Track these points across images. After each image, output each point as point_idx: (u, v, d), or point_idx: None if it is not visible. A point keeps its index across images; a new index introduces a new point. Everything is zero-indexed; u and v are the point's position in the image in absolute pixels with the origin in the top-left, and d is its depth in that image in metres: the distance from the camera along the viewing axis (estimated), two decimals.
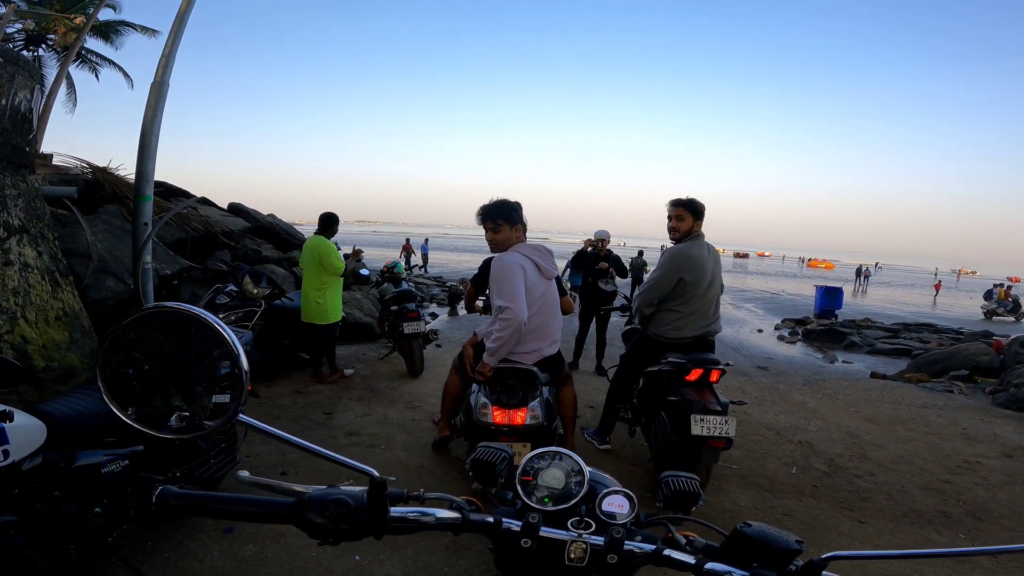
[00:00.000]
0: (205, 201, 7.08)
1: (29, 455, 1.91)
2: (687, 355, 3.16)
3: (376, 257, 13.65)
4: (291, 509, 0.68)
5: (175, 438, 0.75)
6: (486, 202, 3.01)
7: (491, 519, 0.75)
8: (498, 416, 2.68)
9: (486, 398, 2.77)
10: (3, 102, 3.24)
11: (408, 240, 23.92)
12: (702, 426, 2.84)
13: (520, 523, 0.74)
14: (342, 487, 0.71)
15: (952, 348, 8.80)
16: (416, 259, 23.27)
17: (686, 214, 3.36)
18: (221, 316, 4.24)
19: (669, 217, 3.42)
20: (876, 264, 71.42)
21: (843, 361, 9.29)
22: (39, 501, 1.99)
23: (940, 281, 34.67)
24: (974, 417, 5.36)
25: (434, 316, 10.30)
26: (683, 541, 0.76)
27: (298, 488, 0.74)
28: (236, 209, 7.48)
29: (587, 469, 0.81)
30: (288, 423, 4.01)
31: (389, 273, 5.95)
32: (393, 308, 5.36)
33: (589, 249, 6.37)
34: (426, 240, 25.24)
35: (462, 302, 11.19)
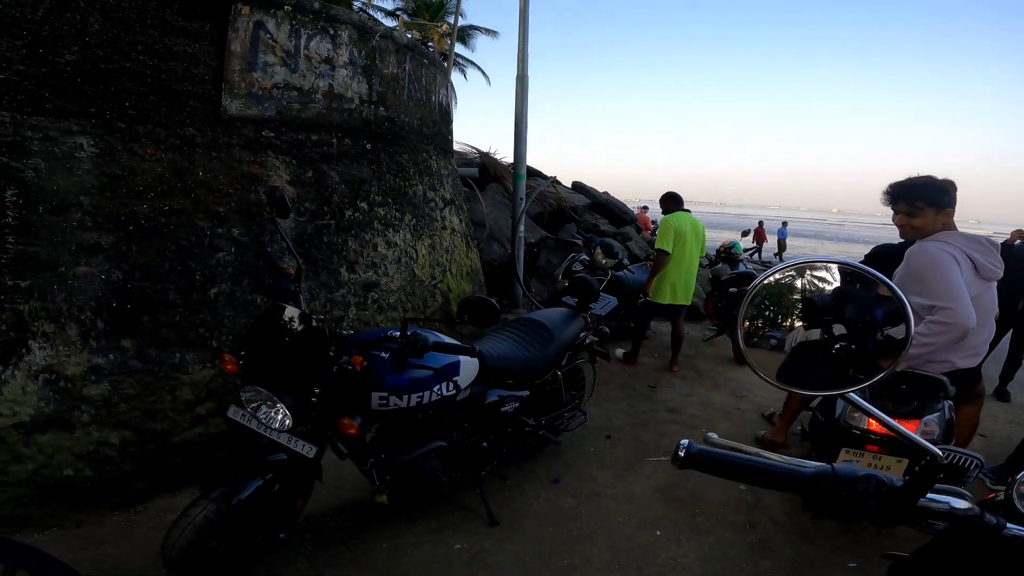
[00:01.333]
0: (555, 181, 8.07)
1: (465, 387, 2.24)
2: None
3: (710, 238, 13.31)
4: (812, 479, 0.71)
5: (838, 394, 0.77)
6: (901, 179, 2.49)
7: (996, 521, 0.70)
8: (875, 423, 2.31)
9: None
10: (434, 99, 4.11)
11: (761, 223, 21.12)
12: None
13: None
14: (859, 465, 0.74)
15: None
16: (770, 244, 20.75)
17: None
18: None
19: None
20: None
21: None
22: (456, 430, 2.33)
23: None
24: None
25: None
26: None
27: (767, 455, 0.77)
28: (578, 187, 8.32)
29: None
30: (615, 390, 4.28)
31: (726, 253, 5.66)
32: (732, 290, 5.14)
33: (1017, 242, 4.84)
34: (784, 224, 22.37)
35: None
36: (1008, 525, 0.71)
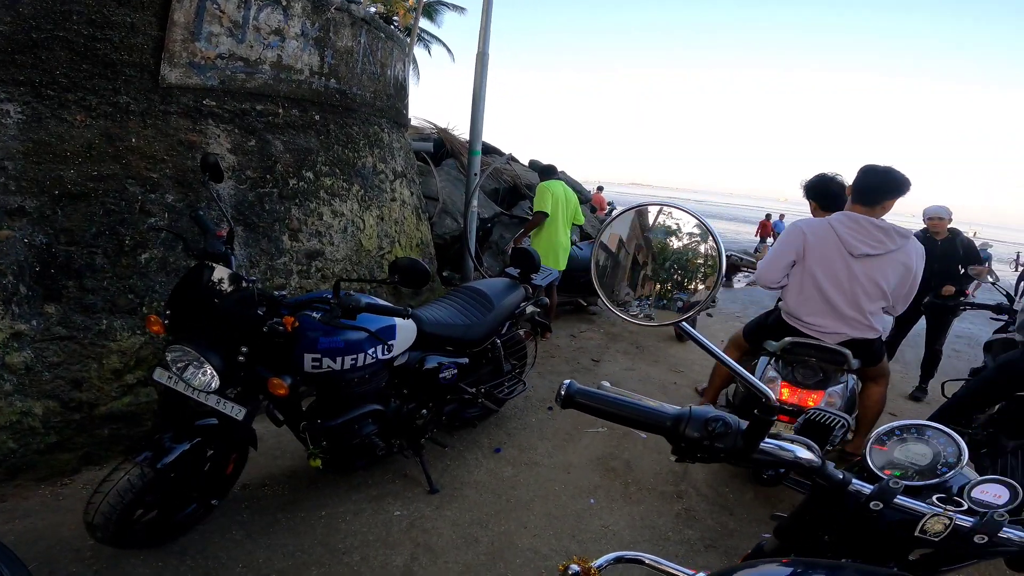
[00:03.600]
0: (511, 158, 8.11)
1: (402, 352, 2.27)
2: None
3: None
4: (672, 420, 0.75)
5: (668, 324, 0.80)
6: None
7: (841, 476, 0.76)
8: (786, 394, 2.44)
9: (776, 372, 2.53)
10: (388, 73, 4.10)
11: (768, 216, 19.93)
12: None
13: (872, 487, 0.75)
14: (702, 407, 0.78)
15: None
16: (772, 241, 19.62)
17: None
18: None
19: None
20: None
21: None
22: (394, 396, 2.35)
23: None
24: None
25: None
26: None
27: (645, 401, 0.81)
28: (535, 166, 8.41)
29: (966, 455, 0.80)
30: (561, 363, 4.42)
31: None
32: None
33: (940, 235, 4.52)
34: (781, 216, 20.76)
35: (738, 275, 10.45)
36: (854, 480, 0.75)
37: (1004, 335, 3.26)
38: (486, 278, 3.30)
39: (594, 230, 6.89)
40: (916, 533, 0.72)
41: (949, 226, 4.46)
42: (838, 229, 2.50)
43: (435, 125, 7.31)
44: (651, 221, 0.86)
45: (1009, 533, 0.70)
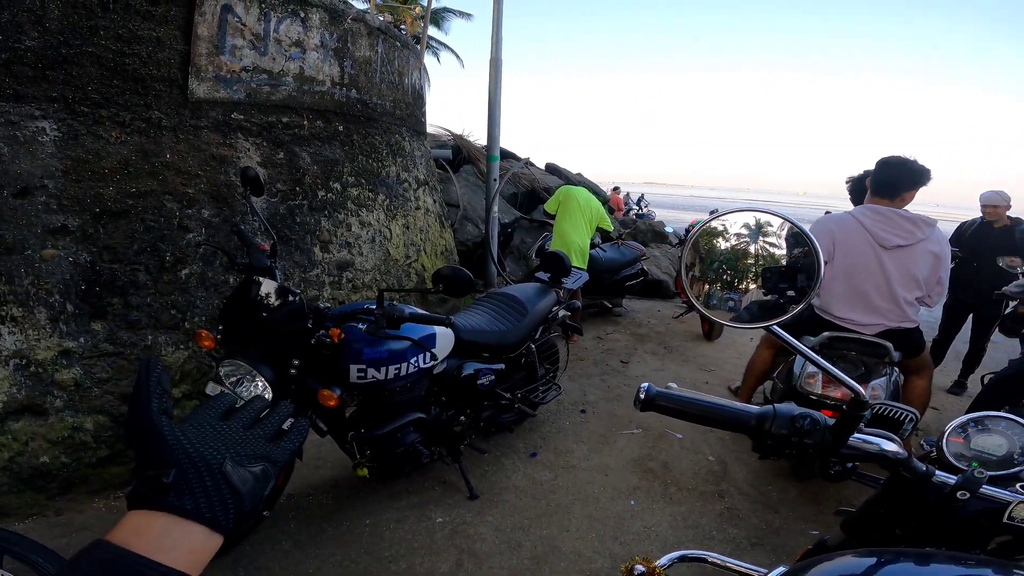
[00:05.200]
0: (528, 162, 8.11)
1: (442, 360, 2.27)
2: None
3: (667, 218, 13.52)
4: (756, 419, 0.75)
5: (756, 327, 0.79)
6: None
7: (924, 468, 0.76)
8: (828, 387, 2.45)
9: (815, 367, 2.54)
10: (407, 81, 4.11)
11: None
12: None
13: (955, 478, 0.75)
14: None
15: None
16: None
17: None
18: None
19: None
20: None
21: None
22: (434, 403, 2.35)
23: None
24: None
25: None
26: None
27: (720, 400, 0.81)
28: (552, 169, 8.39)
29: None
30: (589, 365, 4.39)
31: None
32: None
33: (998, 222, 4.33)
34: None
35: None
36: (937, 472, 0.75)
37: None
38: (509, 283, 3.27)
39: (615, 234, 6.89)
40: (1005, 520, 0.73)
41: (1009, 213, 4.23)
42: (864, 222, 2.51)
43: (451, 132, 7.34)
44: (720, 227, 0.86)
45: None
